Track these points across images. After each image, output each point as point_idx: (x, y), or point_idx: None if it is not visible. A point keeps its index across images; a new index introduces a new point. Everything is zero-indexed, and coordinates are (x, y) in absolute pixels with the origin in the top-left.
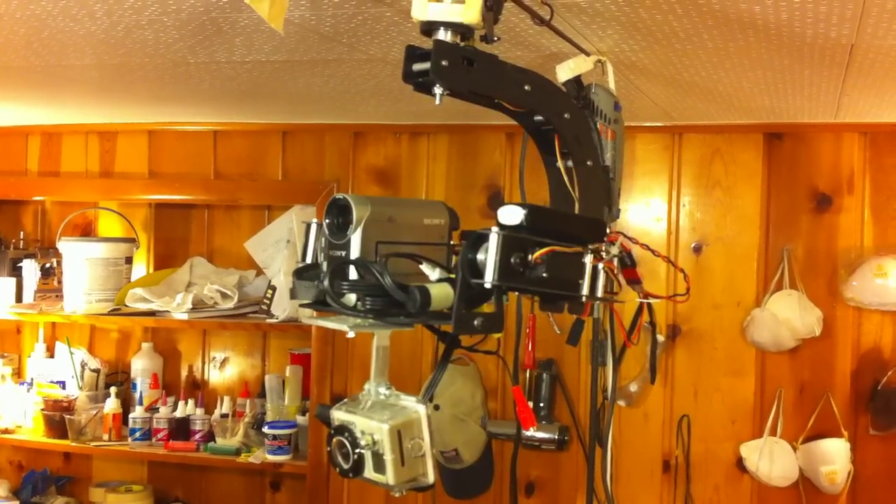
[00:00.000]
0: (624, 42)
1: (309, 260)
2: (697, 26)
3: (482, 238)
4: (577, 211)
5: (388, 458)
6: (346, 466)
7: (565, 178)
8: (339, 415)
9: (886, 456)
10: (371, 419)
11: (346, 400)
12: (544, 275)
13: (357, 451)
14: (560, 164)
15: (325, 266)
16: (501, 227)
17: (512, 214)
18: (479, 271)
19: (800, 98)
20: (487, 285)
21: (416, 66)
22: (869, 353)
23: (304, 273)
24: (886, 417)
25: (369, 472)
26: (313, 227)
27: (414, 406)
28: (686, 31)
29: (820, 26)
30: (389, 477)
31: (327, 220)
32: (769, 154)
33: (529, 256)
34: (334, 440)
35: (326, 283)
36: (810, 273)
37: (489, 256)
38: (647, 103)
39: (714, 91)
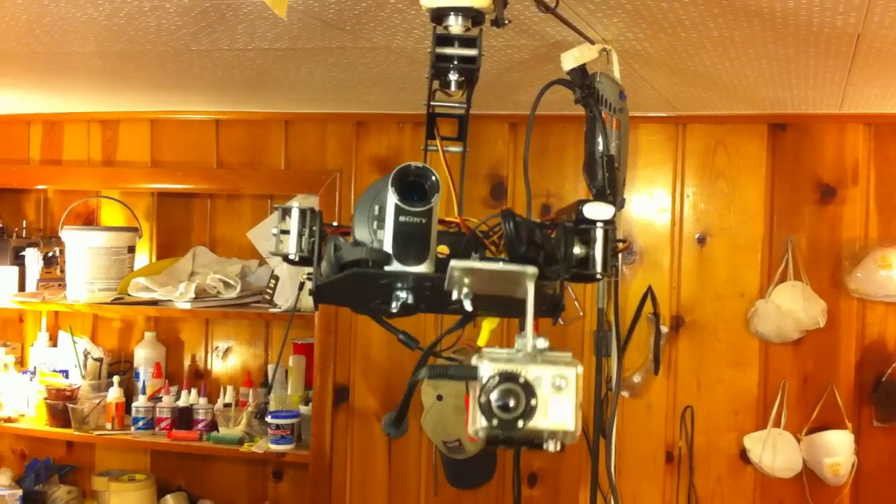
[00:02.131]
0: (629, 30)
1: (294, 249)
2: (703, 14)
3: (576, 232)
4: (453, 190)
5: (574, 402)
6: (514, 415)
7: (443, 160)
8: (498, 366)
9: (890, 447)
10: (554, 365)
11: (480, 354)
12: (616, 264)
13: (534, 397)
14: (439, 145)
15: (380, 235)
16: (585, 222)
17: (604, 211)
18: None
19: (804, 88)
20: (598, 276)
21: (453, 51)
22: (873, 345)
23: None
24: (890, 409)
25: (543, 419)
26: (295, 213)
27: (572, 358)
28: (692, 19)
29: (826, 14)
30: (570, 422)
31: (402, 189)
32: (773, 145)
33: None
34: (500, 388)
35: (523, 249)
36: (814, 264)
37: (597, 250)
38: (651, 93)
39: (718, 81)
